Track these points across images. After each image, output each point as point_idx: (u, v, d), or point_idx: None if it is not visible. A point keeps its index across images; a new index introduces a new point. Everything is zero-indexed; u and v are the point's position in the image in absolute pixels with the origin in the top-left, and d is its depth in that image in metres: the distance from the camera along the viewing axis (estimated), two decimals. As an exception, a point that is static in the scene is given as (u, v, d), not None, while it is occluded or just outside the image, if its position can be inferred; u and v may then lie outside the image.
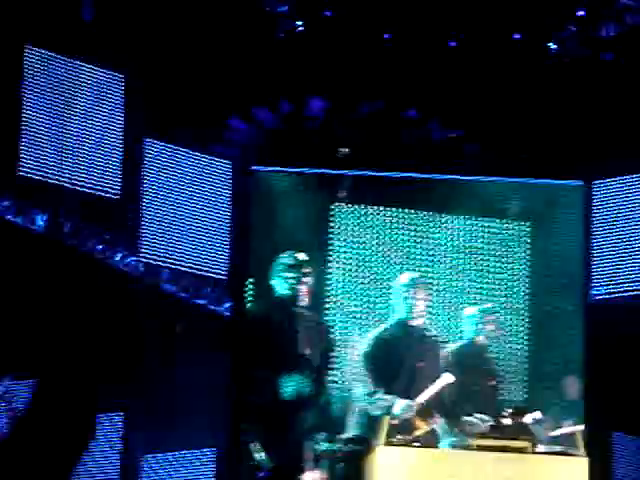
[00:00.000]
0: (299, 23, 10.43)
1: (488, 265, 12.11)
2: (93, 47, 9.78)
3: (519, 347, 12.02)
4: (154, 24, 10.24)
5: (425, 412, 9.78)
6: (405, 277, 9.87)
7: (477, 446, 9.79)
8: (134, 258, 10.01)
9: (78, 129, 9.72)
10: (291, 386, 8.89)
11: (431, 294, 10.40)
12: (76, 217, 9.62)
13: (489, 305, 10.78)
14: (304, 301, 9.06)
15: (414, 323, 9.81)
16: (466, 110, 10.77)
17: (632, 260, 10.86)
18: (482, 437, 9.91)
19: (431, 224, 11.92)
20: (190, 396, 9.97)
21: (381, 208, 11.67)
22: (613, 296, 10.87)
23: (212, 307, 10.33)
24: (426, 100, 10.74)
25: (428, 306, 9.97)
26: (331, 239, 11.60)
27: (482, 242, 12.04)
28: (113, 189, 9.83)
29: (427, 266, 11.83)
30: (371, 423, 9.77)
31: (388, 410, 9.54)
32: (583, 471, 9.52)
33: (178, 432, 9.91)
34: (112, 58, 9.82)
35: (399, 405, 9.69)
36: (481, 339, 10.59)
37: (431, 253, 11.92)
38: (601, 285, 10.95)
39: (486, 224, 12.06)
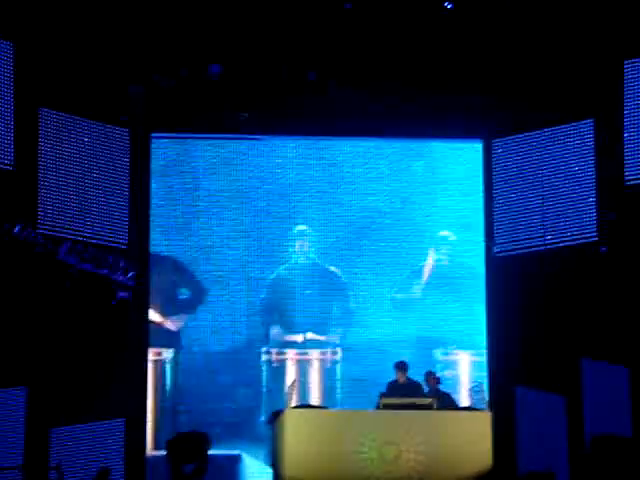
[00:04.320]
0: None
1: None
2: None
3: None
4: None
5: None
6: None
7: (383, 405, 9.92)
8: (33, 230, 9.85)
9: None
10: None
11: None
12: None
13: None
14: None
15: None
16: (366, 71, 10.75)
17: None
18: (387, 396, 10.04)
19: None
20: (96, 368, 9.91)
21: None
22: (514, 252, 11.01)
23: (115, 277, 10.23)
24: (325, 62, 10.70)
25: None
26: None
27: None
28: (6, 160, 9.65)
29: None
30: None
31: None
32: (487, 424, 9.71)
33: (85, 404, 9.84)
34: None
35: None
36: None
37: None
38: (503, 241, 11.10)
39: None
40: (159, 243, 11.69)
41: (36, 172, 9.95)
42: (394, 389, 10.34)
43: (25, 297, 9.70)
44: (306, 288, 12.22)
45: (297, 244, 12.29)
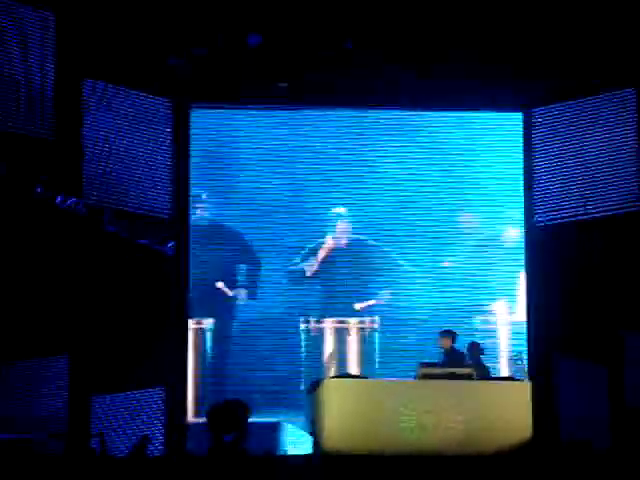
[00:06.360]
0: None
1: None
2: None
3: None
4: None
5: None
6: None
7: (422, 375, 9.94)
8: (75, 200, 9.92)
9: (8, 71, 9.54)
10: None
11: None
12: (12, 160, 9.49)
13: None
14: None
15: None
16: (403, 40, 10.70)
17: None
18: (427, 367, 10.07)
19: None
20: (135, 337, 10.00)
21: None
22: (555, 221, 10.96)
23: (155, 247, 10.30)
24: (363, 32, 10.65)
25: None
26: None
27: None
28: (50, 130, 9.71)
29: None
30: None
31: None
32: (526, 394, 9.72)
33: (125, 373, 9.94)
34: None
35: None
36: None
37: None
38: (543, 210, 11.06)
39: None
40: (200, 213, 11.79)
41: (80, 142, 10.00)
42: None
43: (66, 266, 9.78)
44: (346, 259, 12.25)
45: (337, 222, 12.32)
